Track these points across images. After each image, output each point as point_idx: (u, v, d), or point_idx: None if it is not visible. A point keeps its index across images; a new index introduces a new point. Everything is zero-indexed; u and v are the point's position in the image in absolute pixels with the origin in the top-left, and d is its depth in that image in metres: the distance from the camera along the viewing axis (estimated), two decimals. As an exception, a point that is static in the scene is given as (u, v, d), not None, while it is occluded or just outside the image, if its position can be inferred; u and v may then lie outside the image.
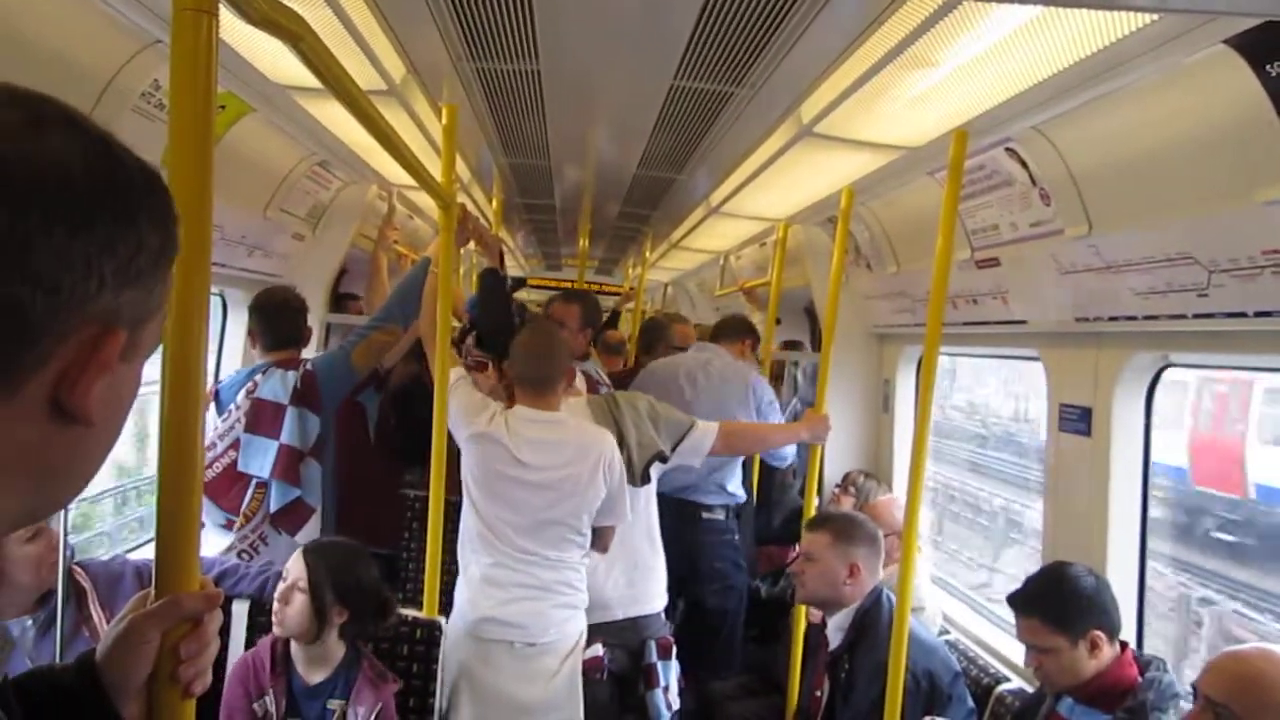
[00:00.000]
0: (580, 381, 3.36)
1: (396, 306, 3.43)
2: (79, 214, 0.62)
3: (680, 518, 3.78)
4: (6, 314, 0.60)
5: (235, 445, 3.19)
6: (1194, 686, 1.98)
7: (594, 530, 2.92)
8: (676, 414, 3.27)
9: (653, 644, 3.12)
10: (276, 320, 3.39)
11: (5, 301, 0.59)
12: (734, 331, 4.37)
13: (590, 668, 2.93)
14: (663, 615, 3.26)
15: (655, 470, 3.17)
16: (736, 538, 4.00)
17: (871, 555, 2.99)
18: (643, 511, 3.20)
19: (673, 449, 3.18)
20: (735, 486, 3.96)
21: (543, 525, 2.80)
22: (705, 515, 3.90)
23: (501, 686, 2.76)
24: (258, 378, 3.25)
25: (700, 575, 3.84)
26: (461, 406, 2.91)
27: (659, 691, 3.06)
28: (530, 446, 2.81)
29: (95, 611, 2.49)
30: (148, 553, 3.20)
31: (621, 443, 3.02)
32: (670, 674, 3.12)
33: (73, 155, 0.63)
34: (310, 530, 3.17)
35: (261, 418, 3.18)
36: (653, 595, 3.23)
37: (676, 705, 3.13)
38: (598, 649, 2.97)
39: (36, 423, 0.65)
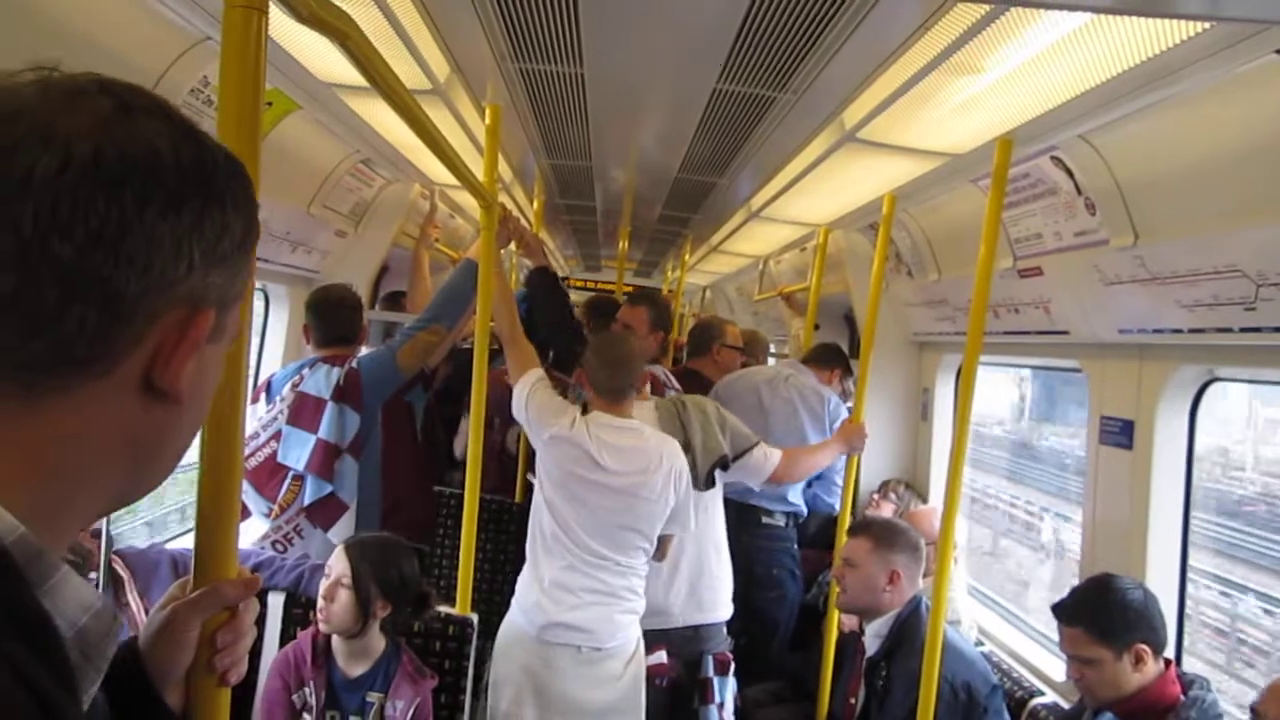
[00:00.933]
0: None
1: (442, 308, 3.42)
2: (170, 197, 0.65)
3: (739, 521, 3.76)
4: (103, 295, 0.62)
5: (277, 436, 3.23)
6: (1252, 709, 1.98)
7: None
8: (744, 428, 3.26)
9: (710, 659, 3.10)
10: (331, 317, 3.42)
11: (102, 283, 0.62)
12: (827, 358, 4.33)
13: (655, 674, 2.93)
14: (724, 628, 3.23)
15: (719, 475, 3.17)
16: (796, 547, 3.98)
17: (913, 563, 2.97)
18: (709, 520, 3.19)
19: (734, 458, 3.17)
20: (796, 497, 3.94)
21: (615, 530, 2.82)
22: (765, 520, 3.88)
23: (567, 690, 2.78)
24: (305, 371, 3.29)
25: (757, 580, 3.81)
26: (541, 407, 2.93)
27: (713, 708, 3.05)
28: (610, 451, 2.82)
29: (133, 599, 2.54)
30: (184, 543, 3.24)
31: (687, 447, 3.02)
32: (726, 691, 3.10)
33: (162, 140, 0.66)
34: (345, 526, 3.19)
35: (302, 411, 3.21)
36: (717, 604, 3.20)
37: None
38: (662, 655, 2.97)
39: (131, 401, 0.68)
